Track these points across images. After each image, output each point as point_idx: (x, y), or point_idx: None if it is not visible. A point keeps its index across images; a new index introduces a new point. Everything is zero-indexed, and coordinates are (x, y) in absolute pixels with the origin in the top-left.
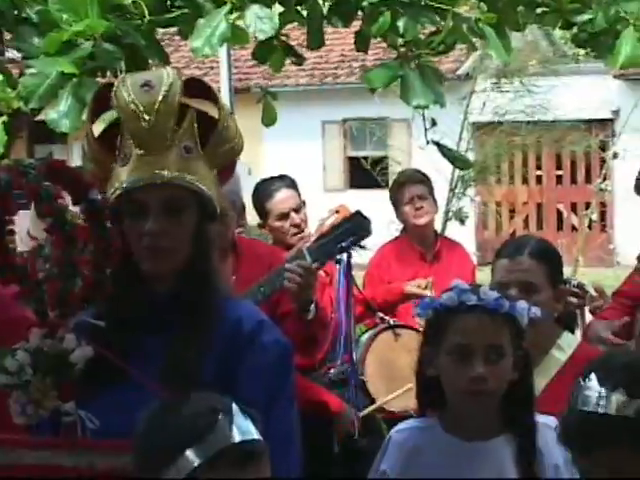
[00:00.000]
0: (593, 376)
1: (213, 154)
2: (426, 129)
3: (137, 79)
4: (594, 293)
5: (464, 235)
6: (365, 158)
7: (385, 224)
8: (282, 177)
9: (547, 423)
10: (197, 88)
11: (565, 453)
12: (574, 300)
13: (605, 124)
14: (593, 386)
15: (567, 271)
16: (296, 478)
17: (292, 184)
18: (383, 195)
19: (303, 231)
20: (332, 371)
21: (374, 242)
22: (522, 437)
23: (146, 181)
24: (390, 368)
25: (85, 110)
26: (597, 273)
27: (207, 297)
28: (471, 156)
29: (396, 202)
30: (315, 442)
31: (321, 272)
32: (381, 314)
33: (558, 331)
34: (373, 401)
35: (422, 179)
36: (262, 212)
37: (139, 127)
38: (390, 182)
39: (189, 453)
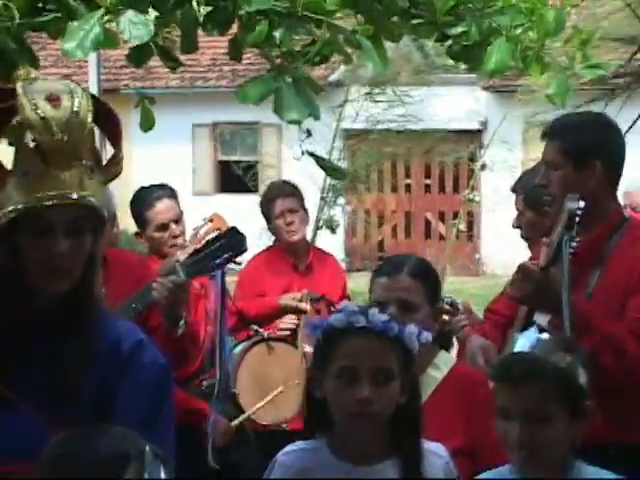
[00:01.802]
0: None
1: (107, 173)
2: (301, 141)
3: (41, 88)
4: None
5: (333, 242)
6: (236, 162)
7: (256, 231)
8: (163, 186)
9: (434, 451)
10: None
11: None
12: (446, 317)
13: (474, 135)
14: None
15: None
16: None
17: (172, 194)
18: (253, 200)
19: (180, 242)
20: (205, 383)
21: (247, 258)
22: (408, 462)
23: (55, 200)
24: (263, 381)
25: None
26: (463, 282)
27: (91, 313)
28: (342, 164)
29: (268, 215)
30: (191, 455)
31: (196, 284)
32: (255, 326)
33: (435, 350)
34: (243, 414)
35: (293, 192)
36: (140, 221)
37: (50, 142)
38: (260, 187)
39: None
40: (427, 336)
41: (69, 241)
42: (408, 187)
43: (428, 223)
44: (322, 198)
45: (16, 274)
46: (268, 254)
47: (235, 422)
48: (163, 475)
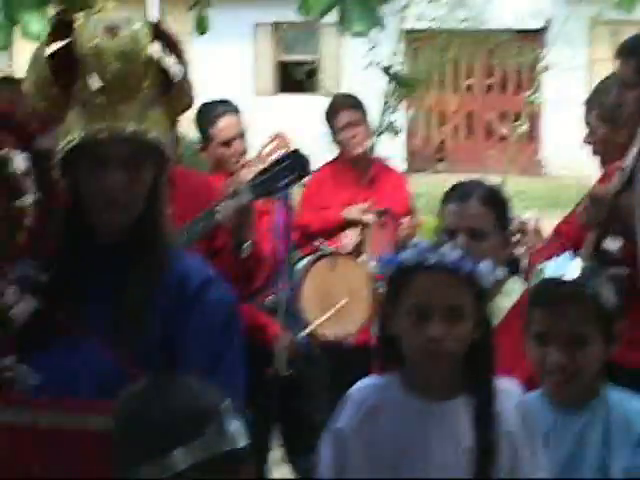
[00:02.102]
0: None
1: (172, 106)
2: (368, 50)
3: (102, 19)
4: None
5: (394, 144)
6: (296, 63)
7: (317, 132)
8: (226, 102)
9: (507, 388)
10: (161, 35)
11: (520, 420)
12: (517, 238)
13: (538, 34)
14: None
15: (496, 182)
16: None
17: (236, 110)
18: (313, 100)
19: (243, 159)
20: (269, 299)
21: (307, 152)
22: (480, 400)
23: (109, 133)
24: (327, 296)
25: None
26: (525, 183)
27: (157, 252)
28: (405, 67)
29: (331, 127)
30: (257, 370)
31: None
32: (319, 241)
33: (504, 277)
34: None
35: (356, 104)
36: (204, 137)
37: (105, 74)
38: (320, 86)
39: (176, 454)
40: (500, 272)
41: (125, 175)
42: (470, 87)
43: (489, 124)
44: (385, 102)
45: (77, 207)
46: (331, 167)
47: (299, 335)
48: (241, 431)
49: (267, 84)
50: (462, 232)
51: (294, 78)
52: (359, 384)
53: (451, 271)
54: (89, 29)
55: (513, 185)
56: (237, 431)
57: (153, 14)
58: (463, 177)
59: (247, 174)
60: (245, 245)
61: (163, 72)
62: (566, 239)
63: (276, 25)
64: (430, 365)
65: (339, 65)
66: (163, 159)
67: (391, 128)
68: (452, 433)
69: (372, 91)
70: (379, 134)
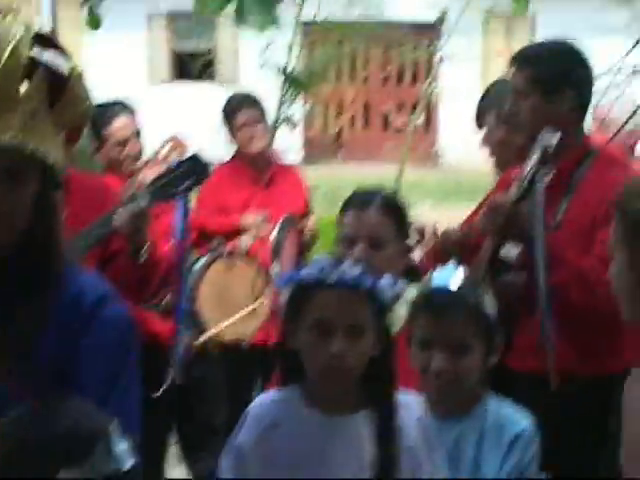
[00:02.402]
0: None
1: (61, 116)
2: (265, 48)
3: None
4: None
5: (291, 134)
6: (191, 54)
7: (213, 121)
8: (119, 103)
9: (408, 403)
10: (44, 42)
11: (422, 434)
12: (413, 243)
13: (433, 26)
14: None
15: (392, 172)
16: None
17: (130, 110)
18: (209, 89)
19: (139, 160)
20: (164, 301)
21: (204, 149)
22: (381, 415)
23: None
24: (224, 297)
25: None
26: (422, 174)
27: (48, 268)
28: (301, 60)
29: (229, 126)
30: (151, 374)
31: None
32: (216, 241)
33: (403, 286)
34: (205, 331)
35: (253, 103)
36: (98, 138)
37: None
38: (217, 76)
39: (62, 476)
40: (401, 286)
41: (3, 187)
42: (366, 79)
43: (386, 115)
44: (282, 96)
45: None
46: (229, 166)
47: (199, 340)
48: (128, 452)
49: (162, 73)
50: (361, 241)
51: (190, 68)
52: (259, 399)
53: (352, 288)
54: None
55: (410, 176)
56: (124, 452)
57: (44, 13)
58: (360, 168)
59: (144, 178)
60: (142, 250)
61: (49, 76)
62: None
63: (170, 16)
64: (331, 380)
65: (236, 55)
66: (49, 172)
67: (288, 121)
68: (353, 448)
69: (269, 82)
70: (276, 127)
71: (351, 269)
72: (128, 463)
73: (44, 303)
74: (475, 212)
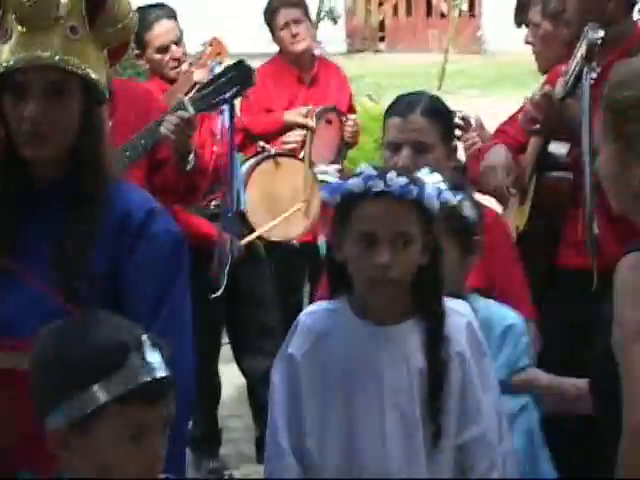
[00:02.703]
0: None
1: (102, 34)
2: None
3: None
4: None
5: (335, 27)
6: None
7: (256, 24)
8: (162, 6)
9: (457, 309)
10: None
11: (470, 339)
12: (458, 133)
13: None
14: None
15: (438, 59)
16: (189, 366)
17: (172, 14)
18: None
19: (182, 64)
20: (213, 202)
21: (247, 45)
22: (430, 322)
23: (27, 62)
24: (271, 198)
25: None
26: (467, 61)
27: (95, 186)
28: None
29: (271, 26)
30: (198, 277)
31: None
32: (262, 142)
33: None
34: (253, 231)
35: (296, 2)
36: (140, 43)
37: (20, 2)
38: None
39: (96, 389)
40: (448, 195)
41: (45, 105)
42: None
43: (429, 1)
44: None
45: (8, 142)
46: (272, 66)
47: (245, 240)
48: (161, 363)
49: None
50: (406, 146)
51: None
52: (309, 309)
53: (397, 198)
54: None
55: (454, 64)
56: (157, 362)
57: None
58: (404, 56)
59: (187, 85)
60: (189, 157)
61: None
62: (511, 138)
63: None
64: (378, 291)
65: None
66: (93, 89)
67: (330, 14)
68: (403, 355)
69: None
70: (319, 21)
71: (397, 178)
72: (160, 372)
73: (93, 221)
74: (519, 112)
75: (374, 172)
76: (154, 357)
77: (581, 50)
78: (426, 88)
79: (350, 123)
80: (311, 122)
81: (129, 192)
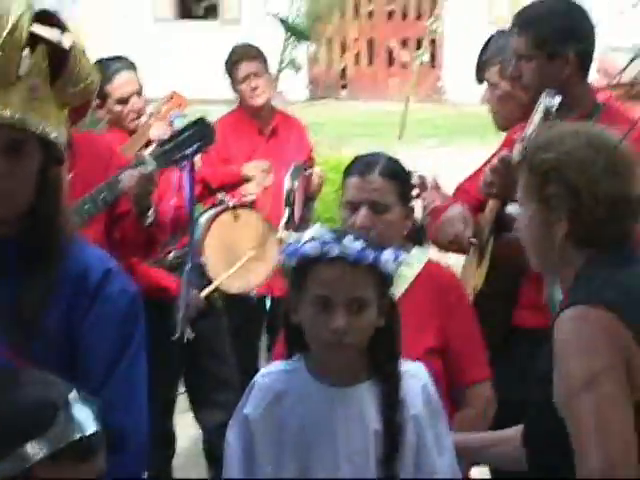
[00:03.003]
0: None
1: (63, 94)
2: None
3: None
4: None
5: (296, 74)
6: None
7: (219, 68)
8: (121, 58)
9: (413, 372)
10: (46, 19)
11: (426, 402)
12: (415, 192)
13: None
14: None
15: (399, 107)
16: (143, 425)
17: (132, 66)
18: (213, 27)
19: (141, 116)
20: (171, 254)
21: (207, 89)
22: (386, 385)
23: None
24: (231, 250)
25: None
26: (427, 110)
27: (52, 242)
28: (304, 4)
29: (231, 77)
30: (156, 329)
31: None
32: (220, 195)
33: (407, 248)
34: (211, 283)
35: (257, 55)
36: (100, 94)
37: None
38: (219, 13)
39: (27, 448)
40: (403, 256)
41: (6, 162)
42: (370, 14)
43: (391, 51)
44: (286, 39)
45: None
46: (232, 117)
47: (204, 292)
48: (91, 419)
49: (166, 11)
50: (364, 205)
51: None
52: (266, 370)
53: (353, 262)
54: None
55: (415, 112)
56: (86, 418)
57: None
58: (365, 105)
59: (145, 138)
60: (149, 212)
61: (49, 51)
62: (470, 196)
63: None
64: (334, 355)
65: None
66: (52, 148)
67: (292, 64)
68: (359, 417)
69: (273, 24)
70: (280, 70)
71: (353, 243)
72: (90, 429)
73: (49, 277)
74: (479, 171)
75: (330, 236)
76: (83, 413)
77: (538, 115)
78: (386, 137)
79: (317, 172)
80: (268, 180)
81: (85, 250)
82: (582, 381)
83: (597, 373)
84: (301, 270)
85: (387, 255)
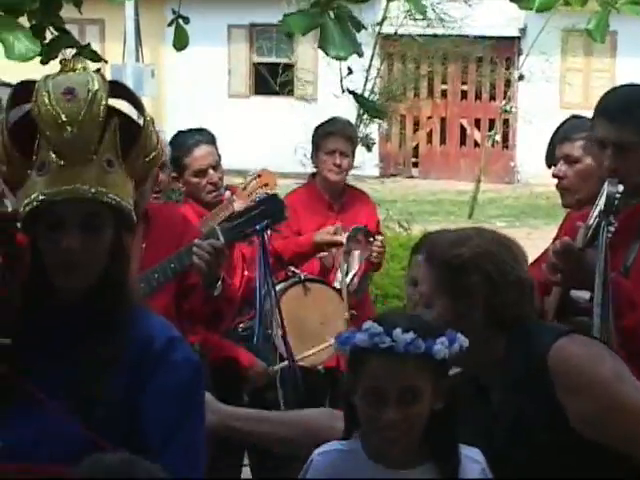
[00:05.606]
0: None
1: (134, 166)
2: (342, 78)
3: (60, 83)
4: None
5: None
6: (271, 64)
7: (290, 136)
8: (201, 131)
9: (471, 456)
10: (120, 92)
11: None
12: None
13: (512, 42)
14: None
15: (470, 187)
16: None
17: (212, 139)
18: (288, 103)
19: (219, 189)
20: (241, 326)
21: (279, 164)
22: (445, 467)
23: (66, 195)
24: (299, 323)
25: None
26: (499, 190)
27: (118, 310)
28: (379, 83)
29: (317, 146)
30: (225, 396)
31: None
32: (292, 267)
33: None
34: (280, 356)
35: (350, 136)
36: (179, 165)
37: (61, 138)
38: (295, 91)
39: None
40: (461, 342)
41: (82, 237)
42: (444, 93)
43: (463, 130)
44: (359, 115)
45: (37, 269)
46: (304, 191)
47: (276, 367)
48: None
49: (241, 86)
50: None
51: (269, 80)
52: (323, 448)
53: (404, 354)
54: (47, 92)
55: (486, 192)
56: None
57: (128, 24)
58: (436, 183)
59: (226, 213)
60: (217, 284)
61: (123, 126)
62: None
63: (251, 27)
64: (389, 444)
65: (315, 69)
66: (124, 219)
67: (365, 141)
68: None
69: (348, 101)
70: None
71: (403, 335)
72: None
73: (115, 345)
74: (543, 254)
75: (379, 329)
76: None
77: (600, 203)
78: (457, 216)
79: (377, 243)
80: (340, 238)
81: (150, 318)
82: (613, 377)
83: (619, 370)
84: (353, 360)
85: (440, 343)
